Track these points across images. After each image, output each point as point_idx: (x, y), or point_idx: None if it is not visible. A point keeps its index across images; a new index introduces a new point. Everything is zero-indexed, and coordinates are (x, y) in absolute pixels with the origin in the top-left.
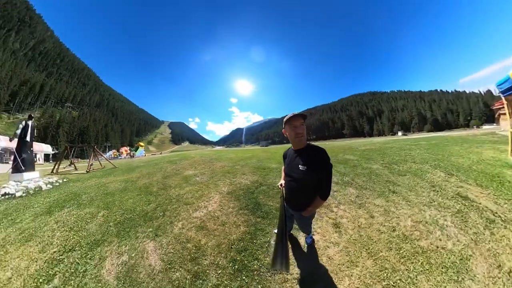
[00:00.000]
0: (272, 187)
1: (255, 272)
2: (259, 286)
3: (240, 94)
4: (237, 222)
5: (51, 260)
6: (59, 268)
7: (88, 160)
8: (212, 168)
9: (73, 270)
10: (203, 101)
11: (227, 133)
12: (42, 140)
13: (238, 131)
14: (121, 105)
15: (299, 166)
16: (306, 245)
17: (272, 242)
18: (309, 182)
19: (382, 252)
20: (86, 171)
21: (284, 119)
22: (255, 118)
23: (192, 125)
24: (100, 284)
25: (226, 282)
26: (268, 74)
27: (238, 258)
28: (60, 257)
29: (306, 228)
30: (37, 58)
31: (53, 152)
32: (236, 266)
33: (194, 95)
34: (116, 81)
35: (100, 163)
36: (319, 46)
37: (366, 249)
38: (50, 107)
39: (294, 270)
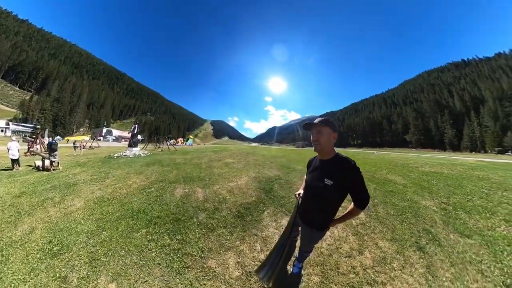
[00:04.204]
0: (289, 182)
1: (246, 221)
2: (242, 228)
3: (274, 92)
4: (251, 194)
5: (151, 182)
6: (154, 186)
7: (160, 144)
8: (247, 160)
9: (161, 188)
10: (240, 102)
11: (264, 131)
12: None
13: (274, 130)
14: (177, 110)
15: (324, 179)
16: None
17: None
18: (329, 198)
19: (335, 286)
20: (161, 150)
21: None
22: (292, 116)
23: (232, 123)
24: (172, 196)
25: (230, 218)
26: (301, 69)
27: (241, 211)
28: (155, 182)
29: (305, 250)
30: (129, 93)
31: (142, 138)
32: (238, 214)
33: (232, 98)
34: (174, 95)
35: (168, 147)
36: (358, 12)
37: (321, 270)
38: (139, 116)
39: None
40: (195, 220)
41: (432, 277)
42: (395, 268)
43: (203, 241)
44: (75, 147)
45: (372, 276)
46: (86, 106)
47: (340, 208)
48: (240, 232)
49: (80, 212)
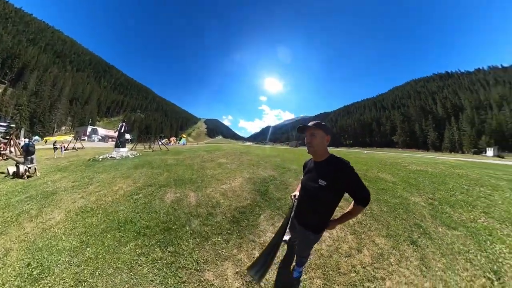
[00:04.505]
0: (284, 183)
1: (242, 227)
2: (238, 235)
3: (269, 92)
4: (246, 197)
5: (138, 187)
6: (142, 191)
7: (151, 144)
8: (241, 160)
9: (149, 193)
10: (235, 101)
11: (258, 130)
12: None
13: (268, 129)
14: (170, 108)
15: (318, 180)
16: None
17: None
18: (324, 199)
19: (338, 286)
20: (152, 150)
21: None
22: (286, 116)
23: (226, 122)
24: (162, 202)
25: (225, 224)
26: (297, 70)
27: (237, 216)
28: (143, 187)
29: (303, 254)
30: (117, 88)
31: (131, 138)
32: (233, 219)
33: (226, 96)
34: (166, 92)
35: (160, 147)
36: (355, 20)
37: (323, 272)
38: (128, 113)
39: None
40: (187, 228)
41: (426, 268)
42: (392, 263)
43: (197, 251)
44: (55, 148)
45: (372, 273)
46: (68, 102)
47: (338, 209)
48: (237, 239)
49: (60, 226)
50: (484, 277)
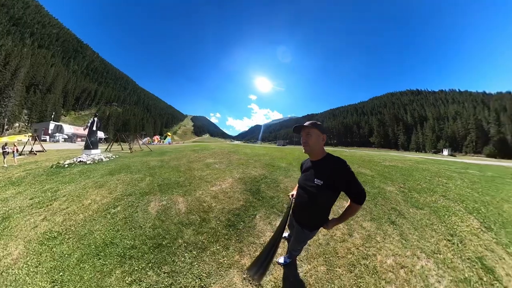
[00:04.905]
0: (275, 181)
1: (239, 230)
2: (237, 238)
3: (259, 91)
4: (239, 198)
5: (116, 198)
6: (121, 203)
7: (131, 143)
8: (229, 159)
9: (130, 205)
10: (224, 98)
11: (246, 129)
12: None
13: (257, 128)
14: (153, 102)
15: (314, 179)
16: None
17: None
18: (321, 199)
19: (339, 269)
20: (131, 151)
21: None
22: (275, 116)
23: (213, 120)
24: (147, 214)
25: (221, 229)
26: (288, 71)
27: (232, 219)
28: (122, 197)
29: (295, 248)
30: (90, 73)
31: (105, 137)
32: (229, 223)
33: (215, 92)
34: (149, 84)
35: (140, 147)
36: (348, 33)
37: (324, 259)
38: (102, 106)
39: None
40: (180, 241)
41: (405, 241)
42: (379, 241)
43: (197, 265)
44: (5, 153)
45: (364, 251)
46: (25, 89)
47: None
48: (236, 243)
49: (21, 265)
50: (445, 239)
